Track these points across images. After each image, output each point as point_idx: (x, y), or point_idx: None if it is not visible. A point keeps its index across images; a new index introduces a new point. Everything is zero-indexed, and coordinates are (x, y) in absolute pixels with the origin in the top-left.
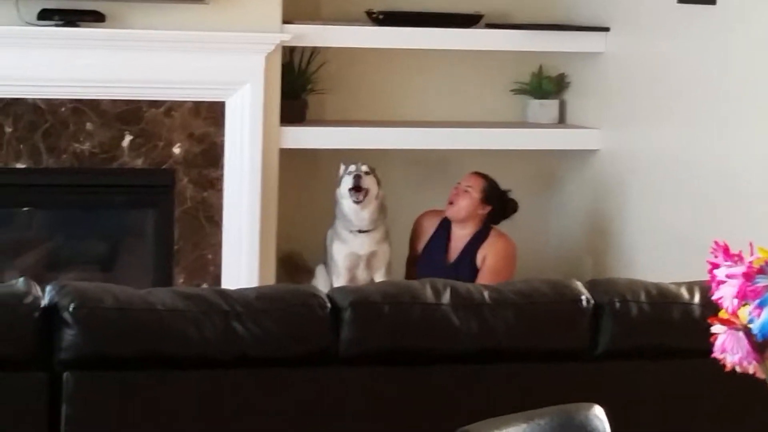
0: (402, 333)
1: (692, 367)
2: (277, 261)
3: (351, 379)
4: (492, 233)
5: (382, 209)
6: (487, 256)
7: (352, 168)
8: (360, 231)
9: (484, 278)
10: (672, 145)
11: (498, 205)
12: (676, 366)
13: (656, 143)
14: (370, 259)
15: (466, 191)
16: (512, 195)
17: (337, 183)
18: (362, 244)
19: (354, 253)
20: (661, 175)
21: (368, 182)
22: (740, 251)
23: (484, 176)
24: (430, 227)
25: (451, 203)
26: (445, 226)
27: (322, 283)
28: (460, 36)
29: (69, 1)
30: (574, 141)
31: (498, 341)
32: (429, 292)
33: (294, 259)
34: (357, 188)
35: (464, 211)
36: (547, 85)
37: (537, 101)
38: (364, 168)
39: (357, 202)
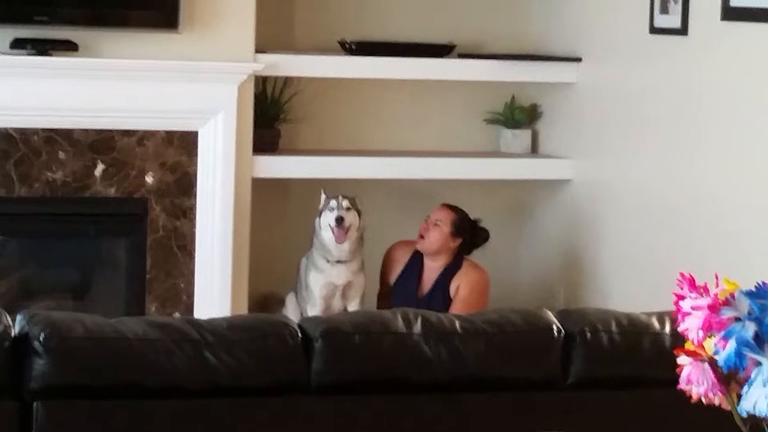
0: (373, 363)
1: (663, 397)
2: (251, 298)
3: (322, 409)
4: (465, 264)
5: (360, 240)
6: (460, 286)
7: (333, 204)
8: (338, 261)
9: (456, 309)
10: (645, 175)
11: (468, 236)
12: (647, 395)
13: (629, 173)
14: (345, 290)
15: (436, 225)
16: (484, 224)
17: (318, 213)
18: (339, 274)
19: (331, 283)
20: (634, 205)
21: (350, 218)
22: (705, 283)
23: (454, 208)
24: (401, 258)
25: (422, 237)
26: (416, 258)
27: (292, 312)
28: (433, 66)
29: (42, 31)
30: (547, 171)
31: (469, 371)
32: (400, 322)
33: (270, 299)
34: (339, 227)
35: (435, 245)
36: (519, 115)
37: (510, 131)
38: (345, 203)
39: (340, 243)
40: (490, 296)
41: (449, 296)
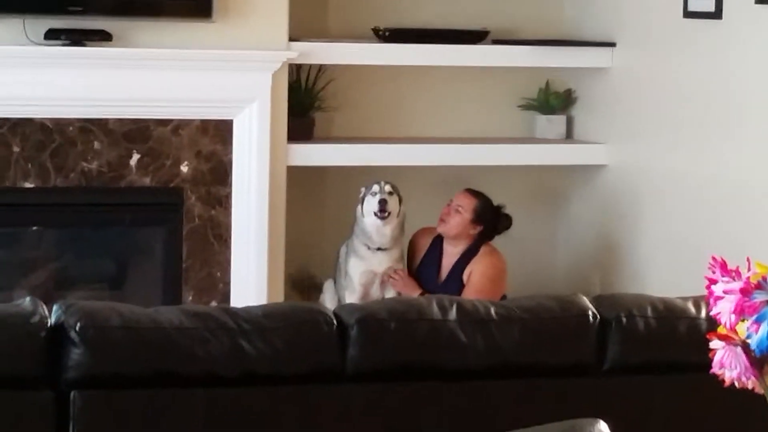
0: (409, 349)
1: (699, 382)
2: (286, 280)
3: (358, 396)
4: (482, 250)
5: (401, 227)
6: (473, 273)
7: (376, 189)
8: (379, 249)
9: (468, 295)
10: (680, 160)
11: (489, 224)
12: (682, 380)
13: (664, 158)
14: (384, 277)
15: (457, 210)
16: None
17: (359, 200)
18: (380, 262)
19: (371, 271)
20: (669, 190)
21: (392, 203)
22: (737, 267)
23: (477, 194)
24: (424, 245)
25: (442, 220)
26: (437, 243)
27: (329, 299)
28: (467, 52)
29: (76, 21)
30: (582, 156)
31: (505, 357)
32: (435, 309)
33: (305, 278)
34: (383, 210)
35: (455, 229)
36: (554, 100)
37: (544, 117)
38: (388, 188)
39: (382, 218)
40: (525, 283)
41: (462, 282)
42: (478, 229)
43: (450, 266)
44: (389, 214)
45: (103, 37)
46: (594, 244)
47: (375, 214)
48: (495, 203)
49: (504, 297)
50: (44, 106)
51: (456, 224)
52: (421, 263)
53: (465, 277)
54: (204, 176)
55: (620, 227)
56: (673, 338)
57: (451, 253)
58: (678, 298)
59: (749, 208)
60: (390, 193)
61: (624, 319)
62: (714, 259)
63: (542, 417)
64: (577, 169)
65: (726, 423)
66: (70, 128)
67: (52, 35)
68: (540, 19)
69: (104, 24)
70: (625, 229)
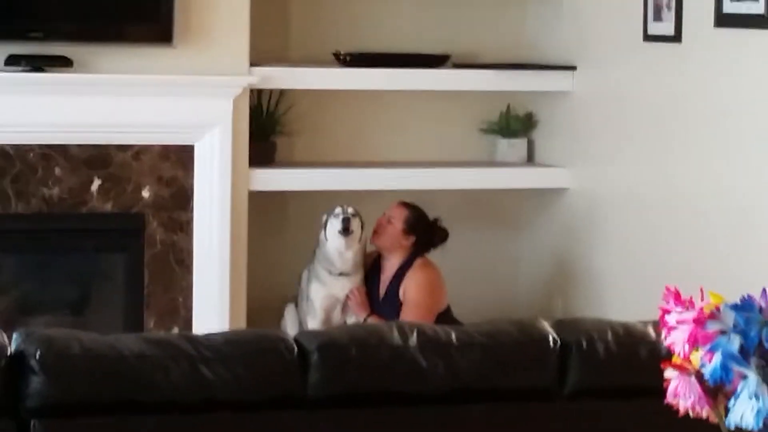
0: (369, 376)
1: (660, 406)
2: (248, 312)
3: (319, 422)
4: (415, 264)
5: (363, 252)
6: (408, 289)
7: (339, 211)
8: (341, 274)
9: (407, 312)
10: (641, 183)
11: (422, 235)
12: (643, 405)
13: (625, 181)
14: (346, 302)
15: (389, 222)
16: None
17: (321, 226)
18: (342, 287)
19: (333, 296)
20: (631, 213)
21: (355, 224)
22: (691, 297)
23: (408, 205)
24: (368, 264)
25: (376, 233)
26: (377, 260)
27: (291, 324)
28: (428, 76)
29: (36, 47)
30: (543, 180)
31: (465, 382)
32: (396, 334)
33: (269, 311)
34: (346, 230)
35: (387, 240)
36: (515, 124)
37: (506, 140)
38: (351, 210)
39: (346, 236)
40: (487, 308)
41: (399, 300)
42: (411, 239)
43: (387, 281)
44: (353, 232)
45: (63, 63)
46: (555, 268)
47: (339, 232)
48: (431, 217)
49: (448, 309)
50: (5, 132)
51: (388, 235)
52: (365, 282)
53: (401, 294)
54: (165, 202)
55: (581, 251)
56: (633, 362)
57: (388, 268)
58: (638, 322)
59: (712, 231)
60: (353, 215)
61: (584, 344)
62: (668, 289)
63: None
64: (539, 193)
65: None
66: (31, 154)
67: (12, 61)
68: (501, 43)
69: (65, 50)
70: (587, 252)
